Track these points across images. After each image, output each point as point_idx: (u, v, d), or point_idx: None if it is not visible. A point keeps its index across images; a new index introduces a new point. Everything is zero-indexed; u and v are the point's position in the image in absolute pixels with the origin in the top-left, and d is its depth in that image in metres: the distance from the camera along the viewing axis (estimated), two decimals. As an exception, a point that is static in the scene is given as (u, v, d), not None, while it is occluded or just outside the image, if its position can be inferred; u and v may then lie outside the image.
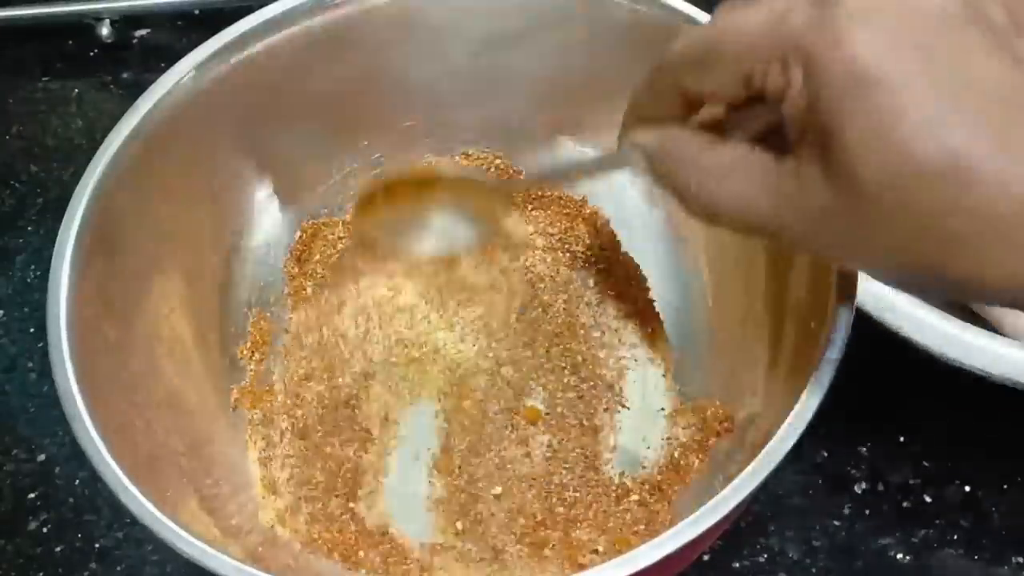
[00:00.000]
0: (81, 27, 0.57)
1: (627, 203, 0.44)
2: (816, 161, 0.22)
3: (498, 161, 0.45)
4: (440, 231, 0.36)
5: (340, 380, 0.41)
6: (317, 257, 0.44)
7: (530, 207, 0.45)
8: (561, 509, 0.38)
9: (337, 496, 0.38)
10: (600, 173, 0.31)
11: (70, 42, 0.58)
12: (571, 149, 0.45)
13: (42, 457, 0.43)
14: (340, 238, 0.44)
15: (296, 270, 0.43)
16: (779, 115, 0.23)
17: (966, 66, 0.21)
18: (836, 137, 0.21)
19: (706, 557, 0.39)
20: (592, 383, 0.41)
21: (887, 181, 0.21)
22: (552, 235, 0.45)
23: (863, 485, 0.41)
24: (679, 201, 0.26)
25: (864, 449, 0.41)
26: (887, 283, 0.25)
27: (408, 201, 0.36)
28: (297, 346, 0.42)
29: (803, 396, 0.29)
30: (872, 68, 0.21)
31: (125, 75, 0.57)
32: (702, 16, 0.38)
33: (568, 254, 0.44)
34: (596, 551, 0.37)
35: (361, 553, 0.37)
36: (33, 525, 0.41)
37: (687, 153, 0.26)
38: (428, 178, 0.36)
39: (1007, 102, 0.21)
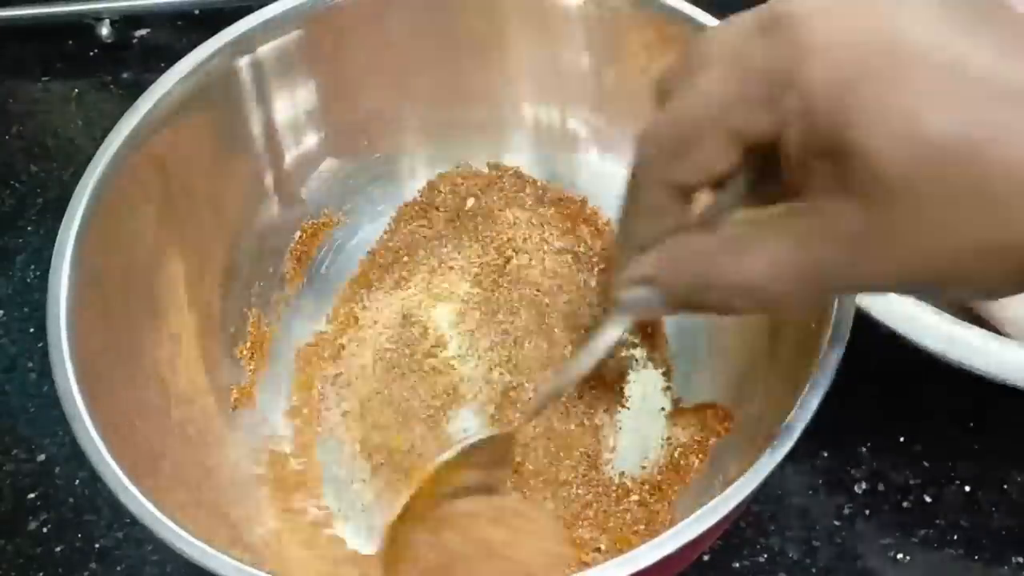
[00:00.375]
0: (81, 27, 0.57)
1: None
2: (834, 188, 0.21)
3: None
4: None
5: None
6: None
7: (531, 206, 0.45)
8: (562, 508, 0.38)
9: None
10: (608, 347, 0.30)
11: (70, 42, 0.58)
12: (570, 145, 0.45)
13: (42, 457, 0.43)
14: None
15: (297, 270, 0.43)
16: (765, 163, 0.22)
17: (935, 29, 0.20)
18: (849, 149, 0.20)
19: (706, 557, 0.39)
20: (592, 383, 0.41)
21: (913, 172, 0.20)
22: (553, 236, 0.45)
23: (863, 485, 0.41)
24: (714, 309, 0.24)
25: (864, 449, 0.41)
26: (937, 290, 0.23)
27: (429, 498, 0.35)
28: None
29: (803, 396, 0.29)
30: (851, 62, 0.20)
31: (125, 75, 0.57)
32: (702, 16, 0.38)
33: (570, 255, 0.44)
34: (599, 549, 0.37)
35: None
36: (33, 525, 0.41)
37: (695, 248, 0.24)
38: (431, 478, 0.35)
39: (983, 36, 0.20)
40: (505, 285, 0.43)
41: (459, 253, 0.44)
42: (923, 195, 0.20)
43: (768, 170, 0.23)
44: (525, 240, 0.44)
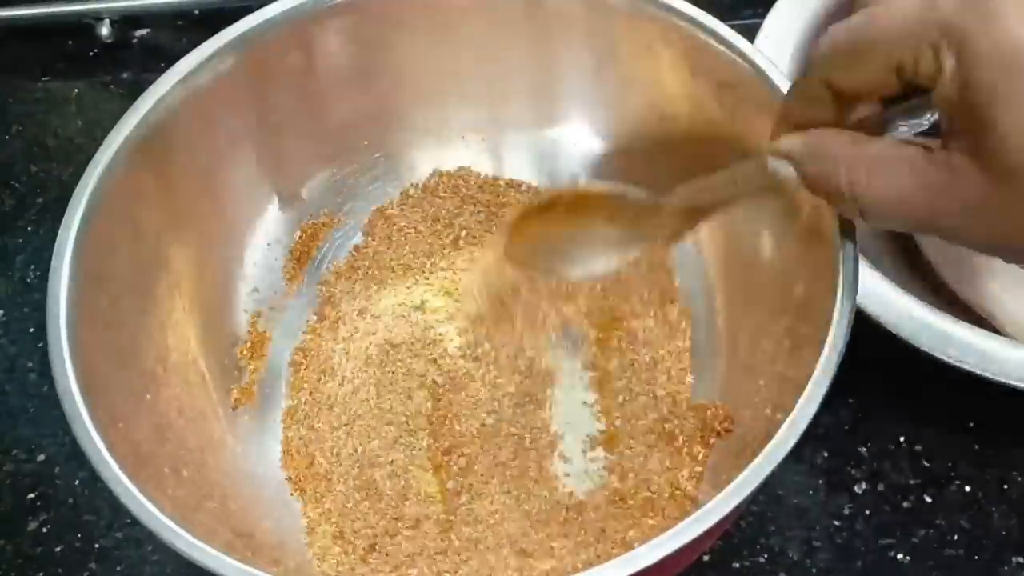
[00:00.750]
0: (81, 27, 0.57)
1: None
2: (969, 151, 0.22)
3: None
4: (592, 251, 0.36)
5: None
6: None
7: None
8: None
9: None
10: (749, 186, 0.31)
11: (70, 42, 0.58)
12: (571, 146, 0.45)
13: (42, 457, 0.43)
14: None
15: (297, 270, 0.43)
16: (930, 107, 0.24)
17: None
18: (989, 124, 0.21)
19: (706, 557, 0.39)
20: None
21: None
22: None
23: (863, 485, 0.41)
24: (830, 201, 0.27)
25: (864, 449, 0.41)
26: None
27: (557, 225, 0.36)
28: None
29: (803, 396, 0.29)
30: (1022, 52, 0.21)
31: (125, 75, 0.57)
32: (702, 16, 0.38)
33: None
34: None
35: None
36: (33, 525, 0.41)
37: (837, 150, 0.26)
38: (574, 199, 0.36)
39: None
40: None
41: (458, 252, 0.44)
42: None
43: (926, 101, 0.24)
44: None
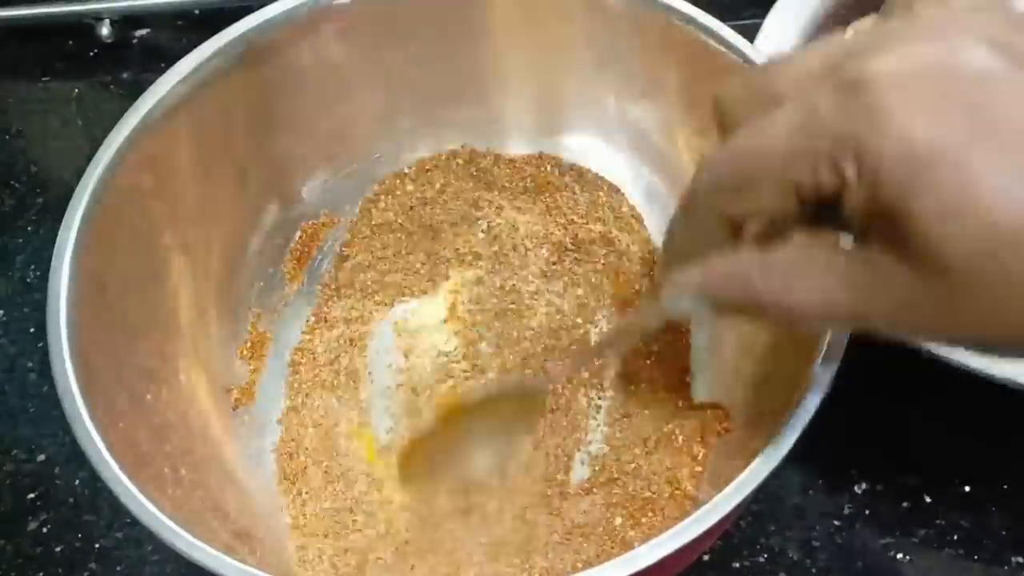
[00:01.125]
0: (81, 27, 0.57)
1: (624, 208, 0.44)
2: (890, 250, 0.21)
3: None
4: (489, 449, 0.36)
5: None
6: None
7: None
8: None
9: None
10: (643, 332, 0.31)
11: (70, 42, 0.58)
12: (571, 146, 0.45)
13: (42, 457, 0.43)
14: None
15: (297, 270, 0.43)
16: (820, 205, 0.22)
17: (1018, 115, 0.20)
18: (909, 223, 0.20)
19: (706, 557, 0.39)
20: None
21: (974, 255, 0.20)
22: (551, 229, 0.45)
23: (863, 485, 0.41)
24: (751, 318, 0.25)
25: (864, 449, 0.41)
26: (976, 351, 0.24)
27: (448, 433, 0.35)
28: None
29: (803, 396, 0.29)
30: (928, 143, 0.20)
31: (125, 75, 0.57)
32: (703, 16, 0.38)
33: (572, 251, 0.44)
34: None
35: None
36: (33, 525, 0.41)
37: (744, 268, 0.24)
38: (457, 407, 0.36)
39: None
40: (503, 282, 0.43)
41: (456, 251, 0.44)
42: (984, 277, 0.20)
43: (824, 209, 0.23)
44: (526, 236, 0.44)
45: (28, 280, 0.49)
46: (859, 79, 0.21)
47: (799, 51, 0.24)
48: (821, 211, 0.23)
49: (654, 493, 0.37)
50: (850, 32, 0.24)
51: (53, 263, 0.32)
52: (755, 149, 0.23)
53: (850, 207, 0.22)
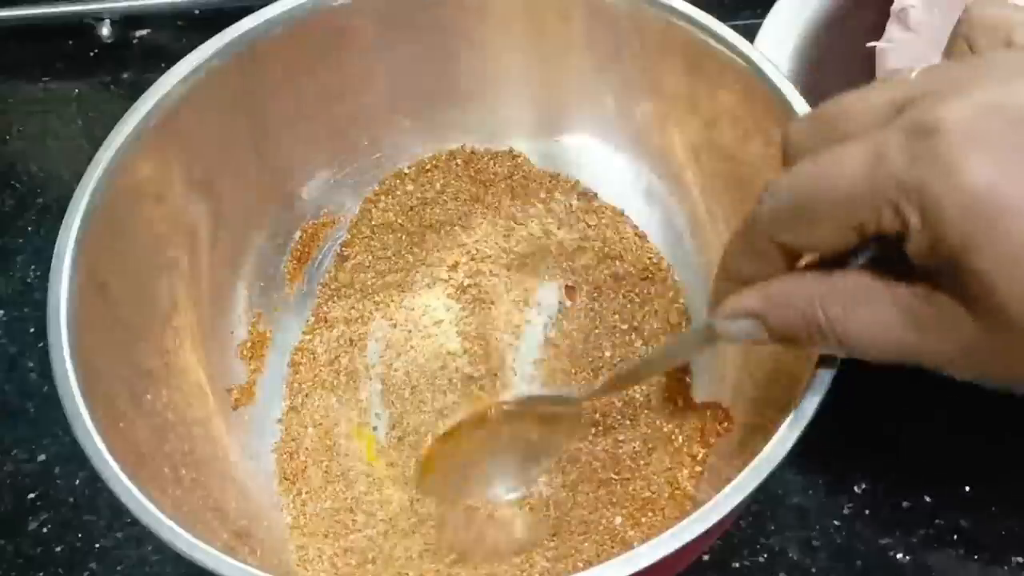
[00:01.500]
0: (81, 27, 0.57)
1: (627, 207, 0.44)
2: (955, 295, 0.21)
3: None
4: (509, 470, 0.36)
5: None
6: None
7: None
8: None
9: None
10: (689, 356, 0.31)
11: (70, 42, 0.58)
12: (571, 146, 0.45)
13: (42, 457, 0.43)
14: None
15: (297, 270, 0.43)
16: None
17: None
18: (972, 273, 0.20)
19: (706, 557, 0.39)
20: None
21: None
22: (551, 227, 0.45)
23: (863, 485, 0.41)
24: (804, 345, 0.25)
25: (864, 449, 0.41)
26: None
27: (471, 446, 0.36)
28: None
29: (803, 396, 0.29)
30: (993, 195, 0.20)
31: (125, 75, 0.57)
32: (703, 16, 0.38)
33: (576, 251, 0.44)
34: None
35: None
36: (33, 525, 0.41)
37: (807, 290, 0.24)
38: (483, 419, 0.36)
39: None
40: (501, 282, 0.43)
41: (456, 251, 0.44)
42: None
43: (888, 242, 0.23)
44: (526, 237, 0.44)
45: (28, 280, 0.49)
46: (929, 125, 0.21)
47: (867, 88, 0.24)
48: (885, 243, 0.23)
49: (654, 493, 0.37)
50: (916, 73, 0.24)
51: (53, 263, 0.32)
52: (819, 185, 0.23)
53: (912, 251, 0.22)
